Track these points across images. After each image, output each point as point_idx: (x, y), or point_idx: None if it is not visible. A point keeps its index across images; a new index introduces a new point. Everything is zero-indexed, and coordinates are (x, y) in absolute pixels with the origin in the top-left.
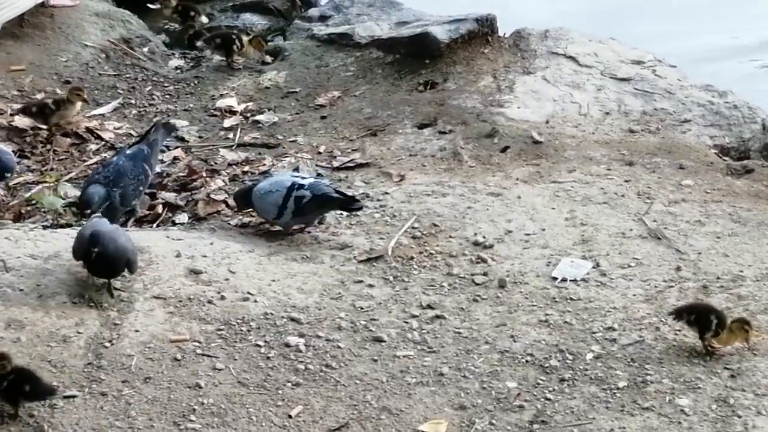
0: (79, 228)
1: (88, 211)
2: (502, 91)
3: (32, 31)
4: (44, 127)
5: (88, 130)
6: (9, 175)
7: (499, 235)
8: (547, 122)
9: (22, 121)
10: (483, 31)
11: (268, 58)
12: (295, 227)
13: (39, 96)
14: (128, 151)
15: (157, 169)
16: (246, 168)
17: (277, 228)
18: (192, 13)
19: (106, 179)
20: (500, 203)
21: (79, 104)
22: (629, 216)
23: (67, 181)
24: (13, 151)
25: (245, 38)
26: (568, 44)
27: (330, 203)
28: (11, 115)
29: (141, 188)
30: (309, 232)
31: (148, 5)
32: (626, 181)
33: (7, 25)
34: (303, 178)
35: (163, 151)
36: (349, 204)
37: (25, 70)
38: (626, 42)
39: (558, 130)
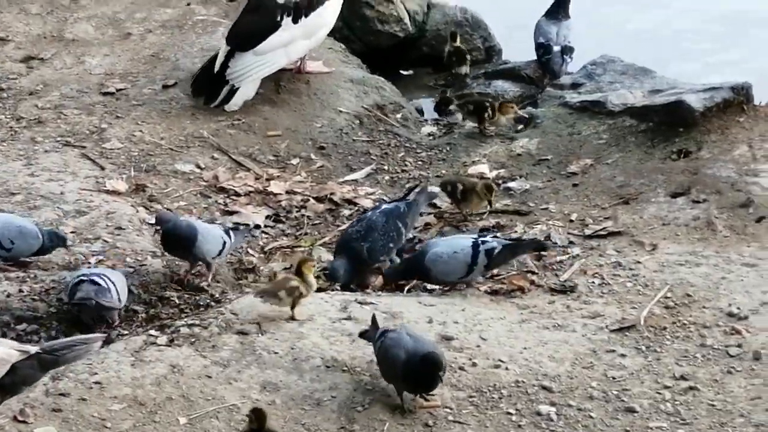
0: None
1: (338, 285)
2: (758, 161)
3: (288, 97)
4: (461, 209)
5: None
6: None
7: (754, 306)
8: None
9: (277, 186)
10: (738, 100)
11: (519, 126)
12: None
13: (294, 161)
14: (384, 206)
15: (410, 234)
16: (498, 235)
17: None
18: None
19: (357, 233)
20: (755, 274)
21: (485, 202)
22: None
23: (321, 245)
24: (267, 216)
25: (496, 105)
26: None
27: (521, 248)
28: (267, 180)
29: (391, 245)
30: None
31: (401, 71)
32: None
33: (264, 92)
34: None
35: (420, 215)
36: (539, 246)
37: (281, 136)
38: None
39: None
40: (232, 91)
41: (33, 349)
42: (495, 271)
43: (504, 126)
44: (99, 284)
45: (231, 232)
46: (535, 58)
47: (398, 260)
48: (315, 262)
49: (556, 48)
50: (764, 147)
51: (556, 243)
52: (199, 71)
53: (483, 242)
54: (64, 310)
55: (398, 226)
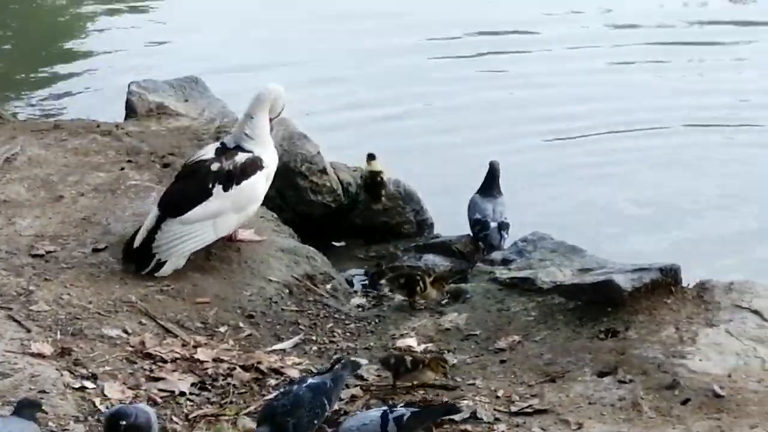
0: None
1: None
2: (684, 343)
3: (219, 265)
4: (394, 382)
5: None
6: None
7: None
8: (730, 376)
9: (204, 353)
10: (666, 281)
11: (445, 300)
12: None
13: (222, 329)
14: (310, 381)
15: (335, 406)
16: (410, 403)
17: None
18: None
19: (283, 408)
20: None
21: (435, 375)
22: None
23: (246, 414)
24: (193, 383)
25: (428, 279)
26: (753, 298)
27: (431, 414)
28: (194, 347)
29: (315, 421)
30: None
31: (333, 243)
32: None
33: (194, 258)
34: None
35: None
36: (450, 410)
37: (210, 303)
38: None
39: (740, 384)
40: (160, 263)
41: None
42: None
43: (434, 300)
44: None
45: None
46: (466, 233)
47: None
48: None
49: (493, 224)
50: (691, 329)
51: (482, 419)
52: (131, 238)
53: (392, 411)
54: None
55: (323, 402)
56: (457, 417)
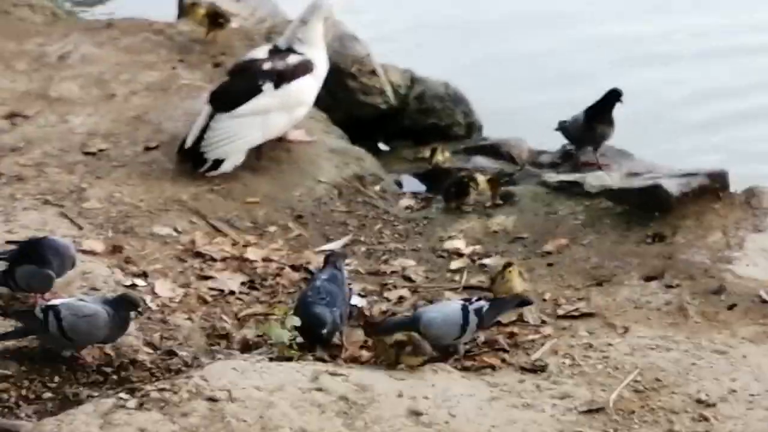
0: None
1: (324, 332)
2: (732, 248)
3: (269, 165)
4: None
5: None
6: None
7: (723, 394)
8: None
9: (253, 253)
10: (714, 186)
11: (498, 201)
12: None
13: (271, 229)
14: (323, 276)
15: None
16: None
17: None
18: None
19: (324, 300)
20: (725, 361)
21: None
22: None
23: (294, 314)
24: (242, 282)
25: (480, 178)
26: None
27: (506, 305)
28: (244, 246)
29: (346, 310)
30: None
31: (380, 145)
32: None
33: (245, 158)
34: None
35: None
36: (523, 302)
37: (259, 203)
38: None
39: None
40: (218, 162)
41: None
42: (467, 347)
43: (487, 196)
44: None
45: None
46: (515, 135)
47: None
48: None
49: None
50: (738, 234)
51: (528, 322)
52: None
53: (471, 303)
54: None
55: (344, 292)
56: (503, 320)
